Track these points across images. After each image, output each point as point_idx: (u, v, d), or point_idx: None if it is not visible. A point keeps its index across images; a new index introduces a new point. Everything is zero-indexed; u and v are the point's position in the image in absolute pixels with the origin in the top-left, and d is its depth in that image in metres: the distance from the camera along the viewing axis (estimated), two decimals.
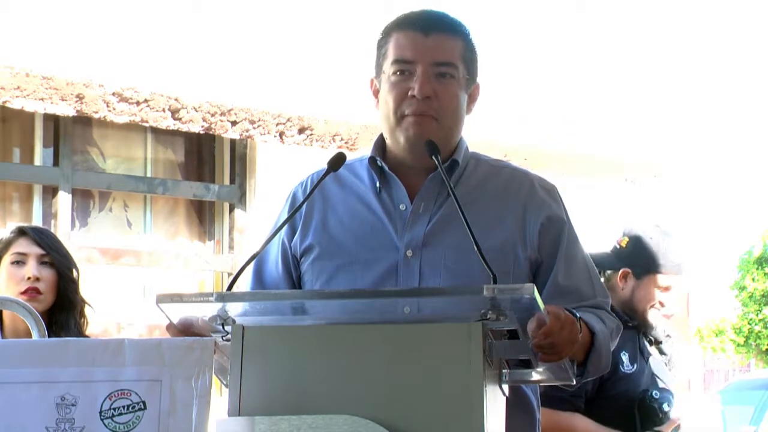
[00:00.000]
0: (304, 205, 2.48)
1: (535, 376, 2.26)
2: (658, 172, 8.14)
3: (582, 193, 7.86)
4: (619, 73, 8.40)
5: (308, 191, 2.51)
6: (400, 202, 2.47)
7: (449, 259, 2.41)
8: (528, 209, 2.48)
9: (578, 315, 2.25)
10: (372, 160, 2.51)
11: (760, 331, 21.24)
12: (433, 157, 2.36)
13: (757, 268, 21.20)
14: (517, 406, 2.32)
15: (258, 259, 2.52)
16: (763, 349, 21.34)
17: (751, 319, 21.29)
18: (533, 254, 2.45)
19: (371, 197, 2.49)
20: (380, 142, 2.53)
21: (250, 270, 2.56)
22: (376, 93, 2.52)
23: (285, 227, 2.51)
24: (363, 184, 2.52)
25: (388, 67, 2.44)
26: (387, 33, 2.48)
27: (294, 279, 2.53)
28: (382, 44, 2.48)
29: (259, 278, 2.56)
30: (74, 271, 3.63)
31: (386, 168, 2.49)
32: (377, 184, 2.49)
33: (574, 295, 2.43)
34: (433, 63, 2.42)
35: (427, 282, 2.40)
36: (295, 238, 2.52)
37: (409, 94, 2.41)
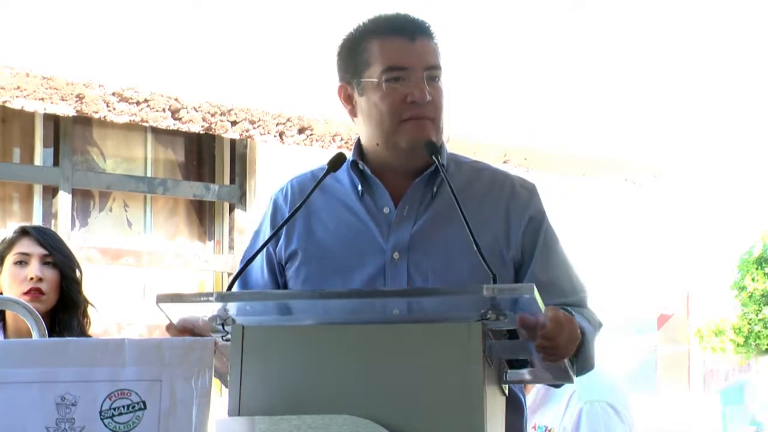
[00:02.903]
0: (286, 212, 2.50)
1: (535, 376, 2.27)
2: (658, 172, 8.14)
3: (582, 193, 7.86)
4: (619, 72, 8.39)
5: (289, 197, 2.53)
6: (384, 205, 2.47)
7: (436, 262, 2.42)
8: (511, 210, 2.49)
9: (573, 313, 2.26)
10: (354, 163, 2.51)
11: (760, 331, 21.20)
12: (434, 157, 2.37)
13: (757, 268, 21.16)
14: (509, 406, 2.33)
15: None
16: (763, 349, 21.32)
17: (751, 319, 21.25)
18: (517, 255, 2.47)
19: (354, 201, 2.50)
20: (359, 147, 2.53)
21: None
22: (348, 99, 2.51)
23: (269, 235, 2.51)
24: (344, 188, 2.52)
25: (377, 74, 2.43)
26: (362, 39, 2.47)
27: (280, 285, 2.53)
28: (358, 50, 2.47)
29: (244, 286, 2.56)
30: (77, 271, 3.63)
31: (368, 171, 2.49)
32: (359, 188, 2.49)
33: (553, 289, 2.43)
34: (425, 67, 2.43)
35: (414, 284, 2.40)
36: (279, 244, 2.52)
37: (408, 99, 2.41)
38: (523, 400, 2.51)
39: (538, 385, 3.65)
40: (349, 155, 2.54)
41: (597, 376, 3.76)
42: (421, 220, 2.45)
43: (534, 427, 3.70)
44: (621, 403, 3.64)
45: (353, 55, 2.48)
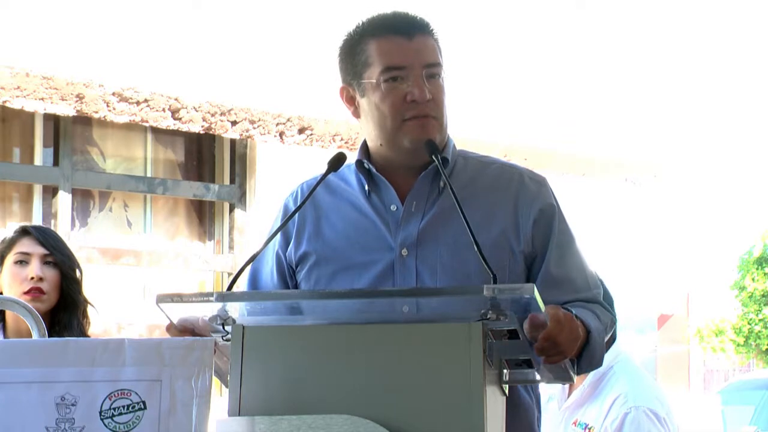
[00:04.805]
0: (297, 215, 2.48)
1: (535, 376, 2.27)
2: (658, 172, 8.14)
3: (582, 193, 7.86)
4: (619, 72, 8.39)
5: (299, 200, 2.51)
6: (391, 203, 2.47)
7: (445, 257, 2.41)
8: (519, 203, 2.48)
9: (574, 312, 2.25)
10: (359, 163, 2.51)
11: (760, 331, 21.22)
12: (433, 157, 2.37)
13: (757, 268, 21.18)
14: (513, 406, 2.32)
15: (252, 270, 2.54)
16: (763, 349, 21.33)
17: (751, 319, 21.27)
18: (527, 248, 2.45)
19: (362, 201, 2.50)
20: (365, 147, 2.53)
21: (244, 281, 2.57)
22: (351, 101, 2.51)
23: (279, 238, 2.51)
24: (352, 188, 2.52)
25: (376, 75, 2.42)
26: (360, 40, 2.47)
27: (290, 288, 2.53)
28: (356, 52, 2.46)
29: (254, 289, 2.56)
30: (77, 271, 3.62)
31: (374, 170, 2.49)
32: (366, 187, 2.50)
33: (567, 285, 2.43)
34: (424, 65, 2.43)
35: (423, 280, 2.40)
36: (289, 248, 2.52)
37: (408, 98, 2.41)
38: (532, 400, 2.49)
39: (585, 382, 3.65)
40: (352, 155, 2.54)
41: (643, 381, 3.75)
42: (428, 216, 2.45)
43: (575, 423, 3.70)
44: (665, 411, 3.63)
45: (352, 56, 2.48)
